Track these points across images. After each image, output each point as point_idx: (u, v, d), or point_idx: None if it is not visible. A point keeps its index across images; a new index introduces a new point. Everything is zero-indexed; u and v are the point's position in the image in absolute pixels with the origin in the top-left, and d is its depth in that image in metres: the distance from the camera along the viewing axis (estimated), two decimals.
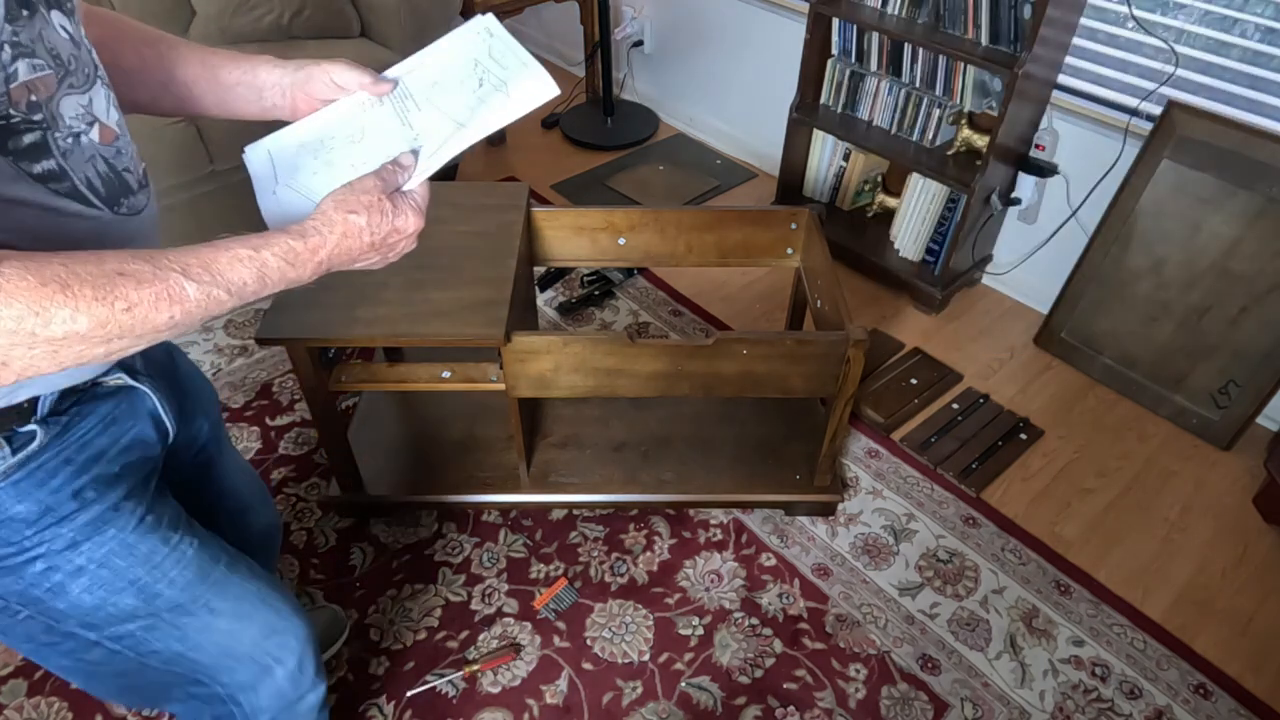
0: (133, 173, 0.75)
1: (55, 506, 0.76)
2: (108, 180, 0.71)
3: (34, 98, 0.63)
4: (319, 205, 0.73)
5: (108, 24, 0.82)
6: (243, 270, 0.65)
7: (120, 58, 0.80)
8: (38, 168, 0.64)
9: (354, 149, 0.82)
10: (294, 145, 0.85)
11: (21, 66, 0.61)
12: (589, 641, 1.59)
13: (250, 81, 0.85)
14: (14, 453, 0.72)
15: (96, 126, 0.70)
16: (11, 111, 0.61)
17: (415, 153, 0.79)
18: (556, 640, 1.59)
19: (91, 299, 0.57)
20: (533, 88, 0.80)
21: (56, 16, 0.66)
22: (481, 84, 0.82)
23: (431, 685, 1.51)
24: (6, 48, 0.60)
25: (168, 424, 0.89)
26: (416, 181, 0.78)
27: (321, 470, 1.89)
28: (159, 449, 0.89)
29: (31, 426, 0.73)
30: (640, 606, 1.65)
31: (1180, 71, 1.94)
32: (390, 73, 0.86)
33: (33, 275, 0.55)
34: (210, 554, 0.91)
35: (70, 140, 0.67)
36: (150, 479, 0.87)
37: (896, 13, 2.22)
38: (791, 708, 1.50)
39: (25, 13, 0.62)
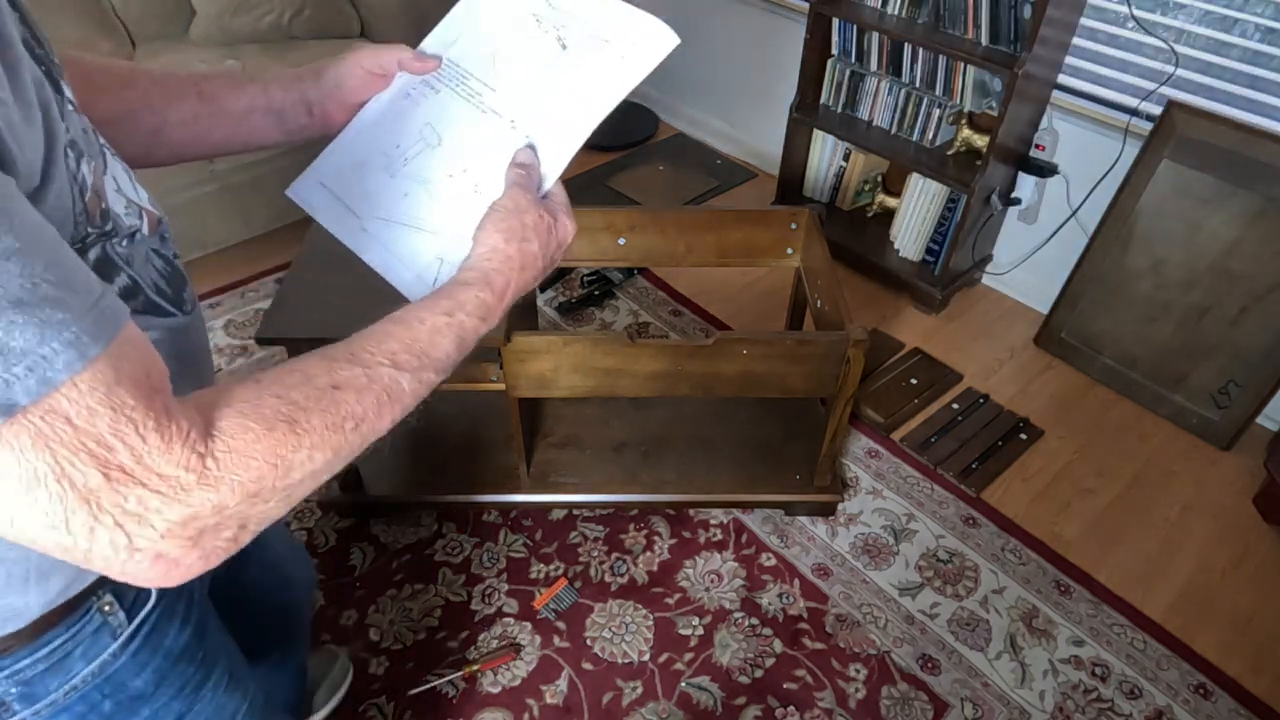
0: (179, 256, 0.65)
1: (167, 672, 0.67)
2: (169, 277, 0.61)
3: (103, 204, 0.52)
4: (481, 239, 0.63)
5: (73, 68, 0.61)
6: (444, 342, 0.56)
7: (94, 107, 0.63)
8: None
9: (440, 154, 0.70)
10: (351, 167, 0.71)
11: (85, 169, 0.50)
12: (589, 641, 1.59)
13: (264, 106, 0.71)
14: (130, 618, 0.62)
15: (144, 216, 0.59)
16: (89, 230, 0.50)
17: (531, 147, 0.68)
18: (556, 640, 1.59)
19: (323, 429, 0.48)
20: (648, 39, 0.64)
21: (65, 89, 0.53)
22: (565, 46, 0.67)
23: (431, 685, 1.51)
24: (69, 153, 0.47)
25: None
26: (551, 181, 0.68)
27: None
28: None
29: None
30: (640, 606, 1.65)
31: (1180, 71, 1.94)
32: (425, 50, 0.74)
33: (255, 423, 0.45)
34: (265, 700, 0.85)
35: (127, 243, 0.56)
36: (215, 615, 0.78)
37: (896, 13, 2.22)
38: (791, 708, 1.50)
39: (57, 95, 0.49)
